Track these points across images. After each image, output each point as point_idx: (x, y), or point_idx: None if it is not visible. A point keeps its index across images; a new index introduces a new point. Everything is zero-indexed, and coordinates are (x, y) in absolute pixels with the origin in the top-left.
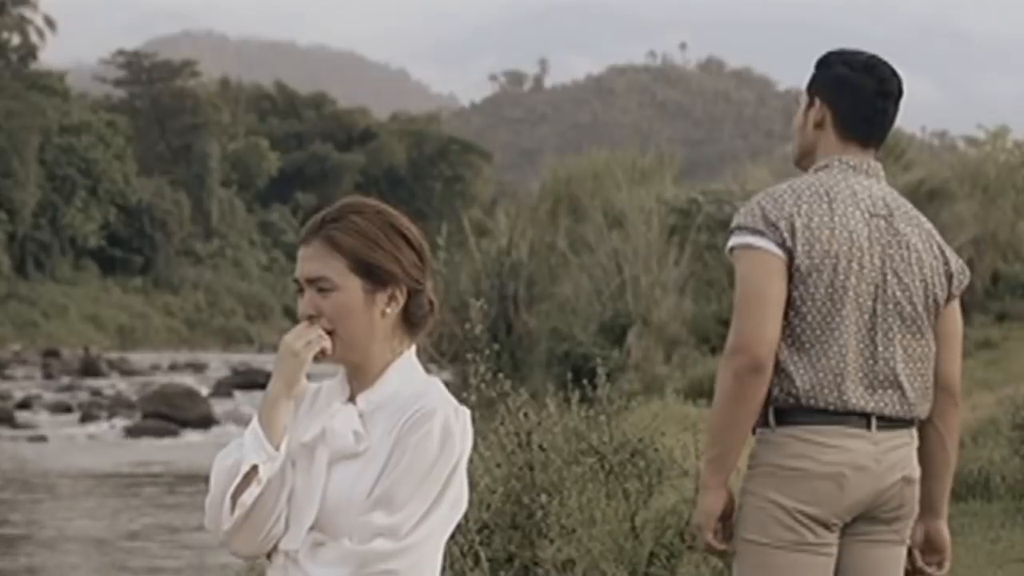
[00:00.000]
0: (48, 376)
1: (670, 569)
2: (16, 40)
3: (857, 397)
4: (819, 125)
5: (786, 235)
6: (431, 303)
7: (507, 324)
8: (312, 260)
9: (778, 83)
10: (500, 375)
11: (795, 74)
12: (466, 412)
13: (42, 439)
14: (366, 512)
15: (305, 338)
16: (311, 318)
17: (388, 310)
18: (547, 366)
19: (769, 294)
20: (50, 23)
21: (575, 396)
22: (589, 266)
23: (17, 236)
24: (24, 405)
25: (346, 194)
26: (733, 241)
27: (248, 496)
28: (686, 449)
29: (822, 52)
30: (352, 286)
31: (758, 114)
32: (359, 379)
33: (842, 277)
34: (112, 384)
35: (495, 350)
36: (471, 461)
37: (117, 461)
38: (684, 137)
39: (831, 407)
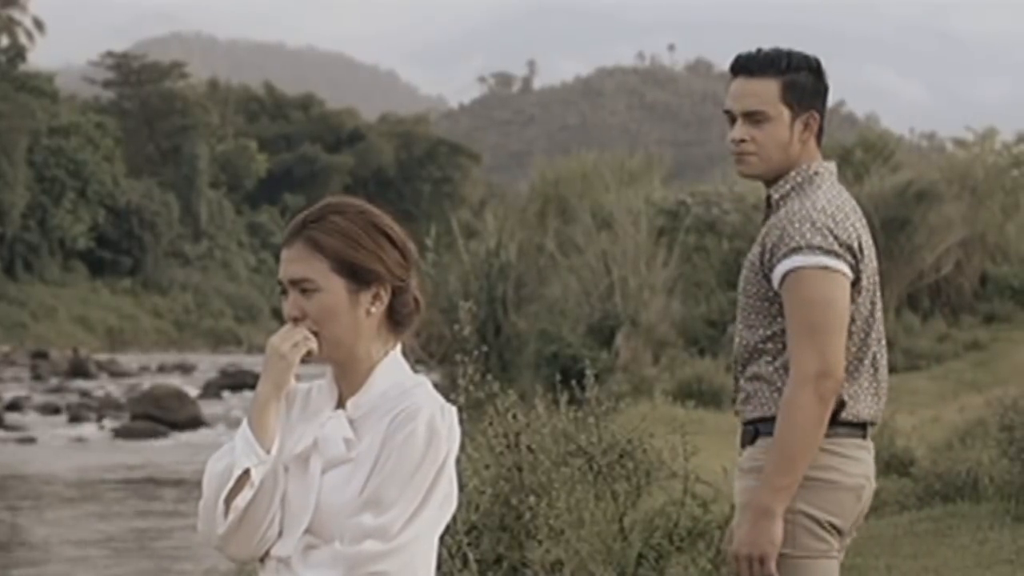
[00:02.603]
0: (37, 377)
1: (658, 570)
2: (5, 41)
3: (867, 407)
4: (807, 139)
5: (858, 256)
6: (416, 301)
7: (496, 325)
8: (295, 262)
9: None
10: (488, 376)
11: None
12: (452, 410)
13: (31, 440)
14: (355, 514)
15: (291, 340)
16: (296, 320)
17: (373, 309)
18: (536, 367)
19: (846, 317)
20: (39, 25)
21: (564, 397)
22: (578, 267)
23: (6, 237)
24: (13, 406)
25: (335, 195)
26: (803, 261)
27: (241, 500)
28: (675, 451)
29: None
30: (335, 286)
31: None
32: (347, 380)
33: (875, 292)
34: (101, 385)
35: (483, 351)
36: (459, 462)
37: (104, 463)
38: (672, 138)
39: (852, 419)
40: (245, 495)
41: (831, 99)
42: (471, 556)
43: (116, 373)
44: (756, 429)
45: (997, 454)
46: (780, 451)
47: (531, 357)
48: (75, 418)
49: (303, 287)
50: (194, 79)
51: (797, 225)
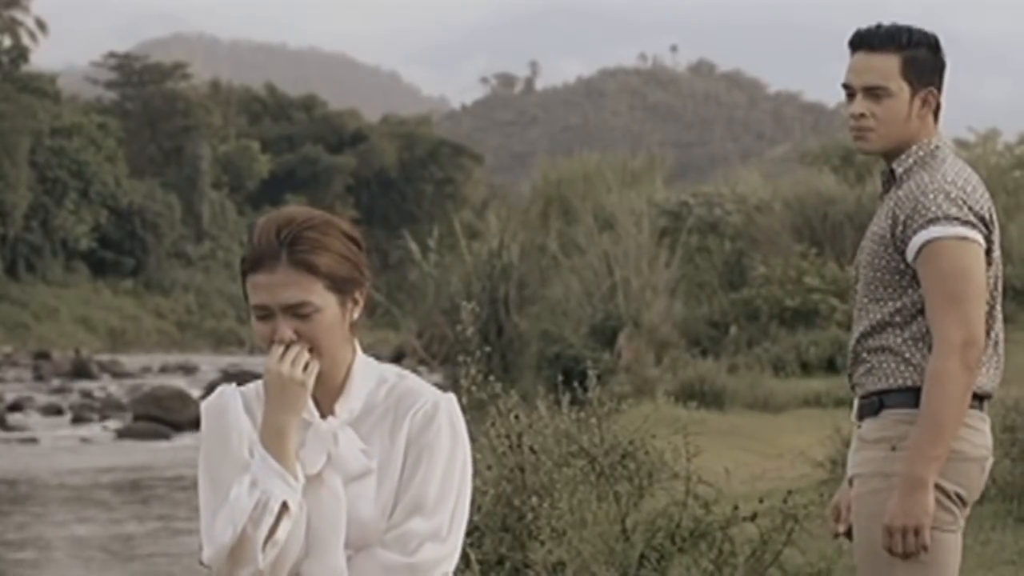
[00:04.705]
0: (39, 378)
1: (660, 571)
2: (7, 42)
3: (991, 380)
4: (925, 115)
5: (991, 227)
6: None
7: (498, 326)
8: (287, 287)
9: (769, 85)
10: (491, 377)
11: (785, 76)
12: (453, 397)
13: (33, 441)
14: (401, 521)
15: (301, 363)
16: (290, 342)
17: (355, 315)
18: (538, 368)
19: (984, 286)
20: (41, 25)
21: (566, 398)
22: (580, 268)
23: (8, 238)
24: (15, 407)
25: (337, 196)
26: (940, 232)
27: (282, 533)
28: (677, 451)
29: (849, 38)
30: (330, 304)
31: (749, 116)
32: (323, 385)
33: (998, 265)
34: (103, 386)
35: (486, 352)
36: None
37: (106, 464)
38: (675, 139)
39: (978, 391)
40: (285, 527)
41: (835, 99)
42: (473, 557)
43: (118, 374)
44: (880, 401)
45: (999, 455)
46: (930, 421)
47: (533, 358)
48: (77, 419)
49: (299, 311)
50: (196, 80)
51: (932, 196)
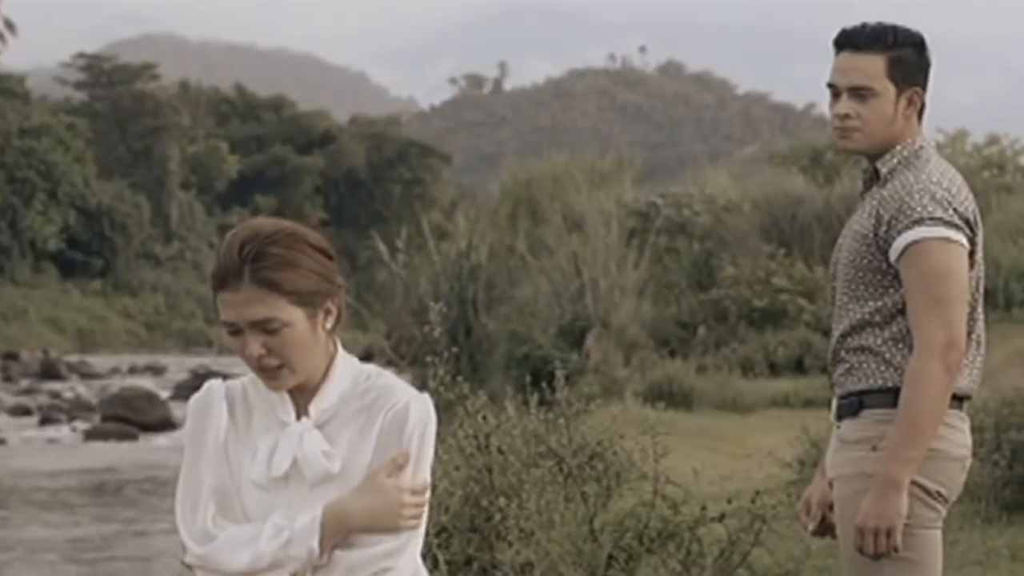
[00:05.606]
0: (7, 379)
1: (628, 572)
2: None
3: (971, 382)
4: (910, 115)
5: (975, 229)
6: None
7: (466, 327)
8: (251, 304)
9: (737, 86)
10: (459, 378)
11: (754, 77)
12: (427, 397)
13: (1, 443)
14: None
15: (423, 509)
16: (261, 356)
17: (328, 324)
18: (506, 369)
19: (967, 288)
20: (10, 26)
21: (534, 399)
22: (548, 269)
23: None
24: None
25: (306, 197)
26: (925, 233)
27: None
28: (645, 452)
29: (834, 35)
30: (297, 318)
31: (718, 117)
32: (301, 386)
33: (980, 267)
34: (71, 387)
35: (454, 353)
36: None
37: (74, 466)
38: (643, 140)
39: (956, 392)
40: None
41: (804, 100)
42: (441, 558)
43: (87, 374)
44: (860, 401)
45: None
46: (908, 423)
47: (502, 358)
48: (46, 420)
49: (266, 327)
50: (165, 80)
51: (917, 197)
